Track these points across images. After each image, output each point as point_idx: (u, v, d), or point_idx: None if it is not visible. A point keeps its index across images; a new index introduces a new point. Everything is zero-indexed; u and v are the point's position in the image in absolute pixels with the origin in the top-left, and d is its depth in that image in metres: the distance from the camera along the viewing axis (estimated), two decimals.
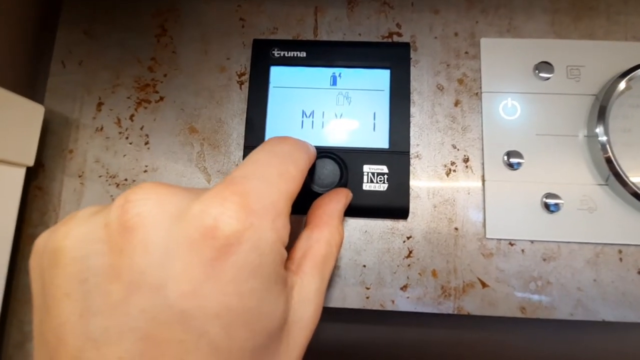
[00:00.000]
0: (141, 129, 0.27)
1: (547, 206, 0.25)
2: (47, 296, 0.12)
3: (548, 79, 0.27)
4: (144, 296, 0.11)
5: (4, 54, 0.27)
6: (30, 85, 0.29)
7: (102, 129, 0.28)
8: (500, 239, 0.25)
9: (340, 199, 0.20)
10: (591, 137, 0.26)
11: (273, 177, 0.14)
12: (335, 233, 0.18)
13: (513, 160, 0.26)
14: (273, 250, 0.13)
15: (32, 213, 0.27)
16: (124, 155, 0.27)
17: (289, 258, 0.17)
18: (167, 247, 0.12)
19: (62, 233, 0.13)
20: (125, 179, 0.27)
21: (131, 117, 0.28)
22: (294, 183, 0.15)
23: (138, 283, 0.11)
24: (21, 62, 0.28)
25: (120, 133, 0.27)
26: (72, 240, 0.12)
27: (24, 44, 0.28)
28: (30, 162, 0.26)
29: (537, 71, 0.27)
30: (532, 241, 0.25)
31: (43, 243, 0.13)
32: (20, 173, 0.25)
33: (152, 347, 0.11)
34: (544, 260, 0.25)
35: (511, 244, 0.25)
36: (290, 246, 0.18)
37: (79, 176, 0.27)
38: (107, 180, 0.27)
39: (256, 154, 0.15)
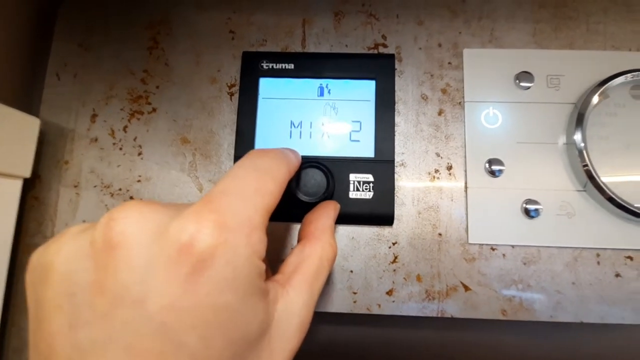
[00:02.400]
0: (134, 139, 0.28)
1: (527, 212, 0.26)
2: (40, 309, 0.13)
3: (528, 88, 0.28)
4: (126, 309, 0.12)
5: (0, 68, 0.28)
6: (25, 98, 0.29)
7: (96, 140, 0.28)
8: (483, 244, 0.26)
9: (329, 213, 0.21)
10: (570, 144, 0.26)
11: (250, 193, 0.15)
12: (328, 248, 0.19)
13: (494, 167, 0.26)
14: (248, 264, 0.14)
15: (30, 223, 0.28)
16: (118, 166, 0.28)
17: (279, 271, 0.18)
18: (148, 263, 0.13)
19: (53, 250, 0.14)
20: (120, 189, 0.28)
21: (125, 129, 0.28)
22: (271, 197, 0.16)
23: (121, 297, 0.12)
24: (16, 75, 0.29)
25: (114, 144, 0.28)
26: (62, 256, 0.13)
27: (19, 57, 0.29)
28: (27, 174, 0.26)
29: (517, 81, 0.28)
30: (513, 246, 0.26)
31: (36, 259, 0.14)
32: (17, 184, 0.26)
33: (135, 358, 0.12)
34: (525, 264, 0.26)
35: (493, 249, 0.26)
36: (281, 258, 0.19)
37: (75, 186, 0.28)
38: (101, 190, 0.28)
39: (236, 169, 0.16)
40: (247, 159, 0.17)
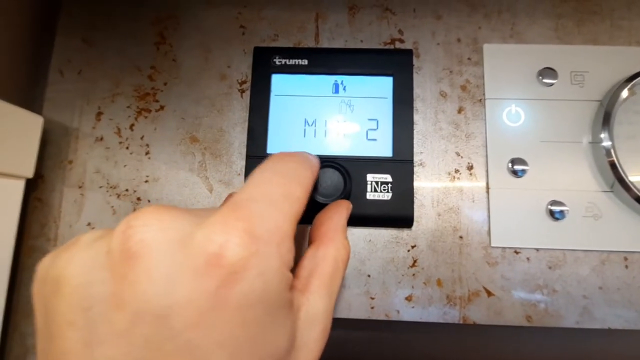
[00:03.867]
0: (141, 138, 0.27)
1: (552, 213, 0.25)
2: (51, 324, 0.12)
3: (552, 84, 0.26)
4: (148, 325, 0.11)
5: (2, 64, 0.27)
6: (28, 96, 0.28)
7: (102, 138, 0.27)
8: (505, 247, 0.25)
9: (341, 213, 0.20)
10: (596, 143, 0.25)
11: (278, 199, 0.14)
12: (342, 248, 0.18)
13: (517, 167, 0.25)
14: (278, 276, 0.13)
15: (32, 225, 0.27)
16: (125, 166, 0.27)
17: (295, 277, 0.17)
18: (171, 275, 0.11)
19: (65, 260, 0.12)
20: (127, 190, 0.27)
21: (131, 127, 0.27)
22: (299, 204, 0.15)
23: (142, 312, 0.11)
24: (20, 72, 0.28)
25: (120, 143, 0.27)
26: (75, 267, 0.12)
27: (21, 54, 0.28)
28: (30, 174, 0.25)
29: (540, 77, 0.27)
30: (537, 249, 0.25)
31: (45, 270, 0.13)
32: (20, 185, 0.25)
33: None
34: (550, 268, 0.24)
35: (516, 252, 0.25)
36: (295, 261, 0.18)
37: (79, 187, 0.27)
38: (107, 191, 0.27)
39: (261, 173, 0.15)
40: (271, 162, 0.16)
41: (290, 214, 0.14)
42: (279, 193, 0.14)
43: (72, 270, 0.12)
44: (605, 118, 0.25)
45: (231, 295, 0.11)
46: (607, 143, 0.25)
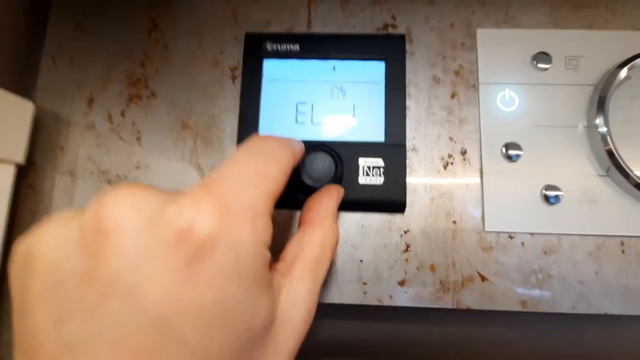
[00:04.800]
0: (133, 125, 0.27)
1: (547, 198, 0.24)
2: (24, 302, 0.12)
3: (546, 69, 0.26)
4: (118, 301, 0.11)
5: None
6: (20, 83, 0.28)
7: (93, 125, 0.27)
8: (500, 232, 0.24)
9: (332, 196, 0.20)
10: (591, 127, 0.25)
11: (252, 177, 0.14)
12: (329, 233, 0.18)
13: (512, 152, 0.25)
14: (253, 252, 0.13)
15: (24, 213, 0.27)
16: (116, 152, 0.27)
17: (280, 260, 0.17)
18: (142, 251, 0.11)
19: (37, 238, 0.12)
20: (117, 176, 0.26)
21: (122, 113, 0.27)
22: (275, 183, 0.15)
23: (112, 287, 0.11)
24: (11, 59, 0.28)
25: (111, 129, 0.27)
26: (46, 245, 0.12)
27: (14, 41, 0.28)
28: (20, 159, 0.25)
29: (535, 62, 0.26)
30: (532, 234, 0.24)
31: (21, 247, 0.13)
32: (10, 170, 0.25)
33: (128, 353, 0.11)
34: (545, 253, 0.24)
35: (510, 237, 0.24)
36: (282, 247, 0.18)
37: (71, 174, 0.27)
38: (98, 178, 0.26)
39: (237, 153, 0.15)
40: (247, 144, 0.16)
41: (266, 192, 0.14)
42: (253, 171, 0.14)
43: (43, 247, 0.12)
44: (600, 102, 0.25)
45: (201, 270, 0.11)
46: (602, 128, 0.24)
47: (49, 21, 0.28)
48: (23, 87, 0.28)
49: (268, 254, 0.14)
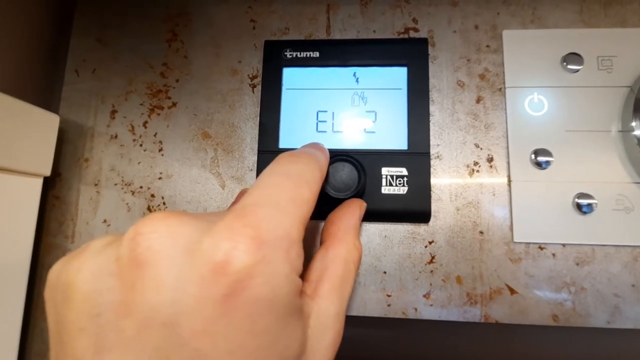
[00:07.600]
0: (155, 135, 0.27)
1: (579, 207, 0.23)
2: (62, 330, 0.12)
3: (577, 71, 0.25)
4: (156, 333, 0.11)
5: (22, 65, 0.27)
6: (45, 95, 0.29)
7: (116, 136, 0.27)
8: (529, 243, 0.24)
9: (354, 212, 0.19)
10: (626, 132, 0.24)
11: (285, 203, 0.14)
12: (353, 249, 0.17)
13: (541, 158, 0.24)
14: (287, 282, 0.12)
15: (51, 222, 0.27)
16: (139, 163, 0.27)
17: (305, 280, 0.16)
18: (179, 283, 0.11)
19: (75, 267, 0.12)
20: (141, 187, 0.27)
21: (144, 124, 0.27)
22: (307, 206, 0.14)
23: (150, 320, 0.11)
24: (37, 73, 0.28)
25: (134, 140, 0.27)
26: (84, 275, 0.12)
27: (38, 54, 0.29)
28: (47, 172, 0.26)
29: (565, 63, 0.25)
30: (563, 244, 0.23)
31: (56, 276, 0.13)
32: (38, 183, 0.25)
33: None
34: (577, 264, 0.23)
35: (541, 248, 0.23)
36: (309, 260, 0.17)
37: (95, 185, 0.27)
38: (122, 188, 0.27)
39: (267, 176, 0.15)
40: (277, 165, 0.16)
41: (298, 217, 0.14)
42: (286, 197, 0.14)
43: (81, 277, 0.12)
44: (636, 105, 0.24)
45: (238, 303, 0.11)
46: (638, 132, 0.23)
47: (72, 35, 0.29)
48: (49, 100, 0.29)
49: (300, 282, 0.13)
